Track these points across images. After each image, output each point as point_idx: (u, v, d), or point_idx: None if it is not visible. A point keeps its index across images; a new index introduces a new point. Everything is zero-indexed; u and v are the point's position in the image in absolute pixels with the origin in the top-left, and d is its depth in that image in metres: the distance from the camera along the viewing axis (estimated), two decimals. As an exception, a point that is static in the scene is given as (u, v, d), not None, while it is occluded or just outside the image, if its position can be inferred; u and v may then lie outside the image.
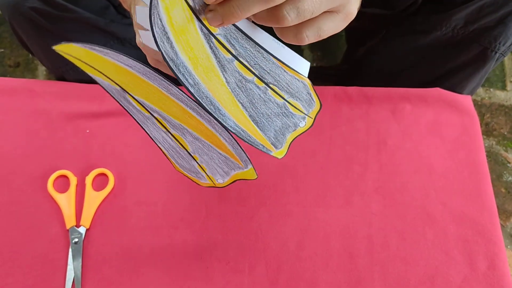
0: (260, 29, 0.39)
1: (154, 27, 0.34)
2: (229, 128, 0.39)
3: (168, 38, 0.35)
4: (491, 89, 1.10)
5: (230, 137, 0.42)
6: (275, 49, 0.40)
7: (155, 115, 0.42)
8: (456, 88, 0.72)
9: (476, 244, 0.59)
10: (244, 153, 0.44)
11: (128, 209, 0.60)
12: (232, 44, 0.38)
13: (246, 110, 0.40)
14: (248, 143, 0.41)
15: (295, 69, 0.41)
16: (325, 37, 0.36)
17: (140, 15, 0.37)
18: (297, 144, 0.67)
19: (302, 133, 0.46)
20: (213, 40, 0.37)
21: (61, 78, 0.70)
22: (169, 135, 0.43)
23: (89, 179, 0.61)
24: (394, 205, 0.62)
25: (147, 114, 0.41)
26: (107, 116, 0.66)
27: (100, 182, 0.62)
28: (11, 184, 0.61)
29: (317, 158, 0.65)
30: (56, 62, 0.67)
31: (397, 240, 0.59)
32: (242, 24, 0.38)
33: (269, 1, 0.32)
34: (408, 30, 0.74)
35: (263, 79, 0.40)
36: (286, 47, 0.40)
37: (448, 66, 0.71)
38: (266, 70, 0.40)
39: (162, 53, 0.35)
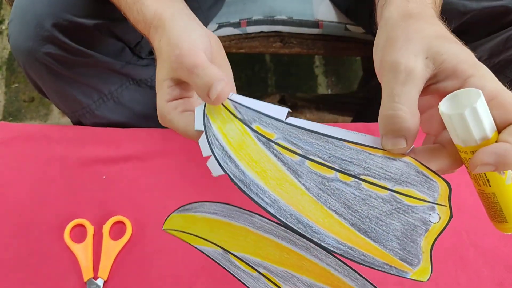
0: (318, 124, 0.34)
1: (213, 149, 0.33)
2: (331, 249, 0.32)
3: (230, 157, 0.33)
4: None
5: (341, 264, 0.34)
6: (344, 134, 0.33)
7: (261, 271, 0.36)
8: (482, 121, 0.70)
9: (512, 287, 0.56)
10: (369, 282, 0.35)
11: (147, 258, 0.58)
12: (295, 144, 0.33)
13: (344, 218, 0.32)
14: (365, 265, 0.32)
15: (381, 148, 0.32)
16: None
17: (201, 144, 0.34)
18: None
19: (442, 232, 0.33)
20: (274, 146, 0.33)
21: (77, 122, 0.69)
22: None
23: (106, 228, 0.59)
24: (424, 247, 0.59)
25: (255, 274, 0.37)
26: (124, 160, 0.64)
27: (117, 230, 0.60)
28: (30, 234, 0.59)
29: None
30: (72, 107, 0.66)
31: (429, 286, 0.56)
32: (298, 120, 0.34)
33: None
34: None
35: (348, 172, 0.32)
36: (356, 132, 0.33)
37: (473, 98, 0.69)
38: (347, 160, 0.32)
39: (229, 175, 0.33)
